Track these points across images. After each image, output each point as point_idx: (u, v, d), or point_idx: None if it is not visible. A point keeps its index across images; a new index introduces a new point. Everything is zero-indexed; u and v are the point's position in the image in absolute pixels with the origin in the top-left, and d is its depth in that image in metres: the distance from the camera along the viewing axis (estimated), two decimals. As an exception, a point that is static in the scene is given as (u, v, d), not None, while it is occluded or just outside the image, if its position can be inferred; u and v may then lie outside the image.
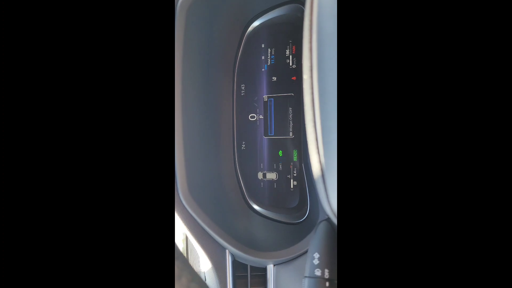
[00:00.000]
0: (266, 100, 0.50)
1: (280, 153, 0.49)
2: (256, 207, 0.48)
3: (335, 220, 0.19)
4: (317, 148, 0.18)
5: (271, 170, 0.50)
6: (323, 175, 0.18)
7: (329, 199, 0.18)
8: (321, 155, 0.17)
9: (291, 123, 0.49)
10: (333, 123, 0.17)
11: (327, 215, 0.19)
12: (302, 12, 0.47)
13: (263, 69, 0.50)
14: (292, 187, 0.49)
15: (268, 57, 0.50)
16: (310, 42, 0.17)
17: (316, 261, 0.26)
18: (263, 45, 0.50)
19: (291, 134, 0.49)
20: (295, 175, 0.48)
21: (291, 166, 0.49)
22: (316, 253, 0.26)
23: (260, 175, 0.50)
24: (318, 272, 0.26)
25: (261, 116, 0.50)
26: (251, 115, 0.51)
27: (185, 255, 0.50)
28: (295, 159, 0.49)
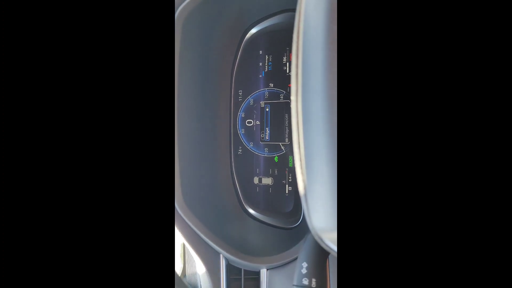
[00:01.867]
0: (263, 106, 0.51)
1: (276, 158, 0.50)
2: (251, 211, 0.49)
3: (317, 239, 0.20)
4: (301, 168, 0.18)
5: (267, 175, 0.50)
6: (305, 195, 0.18)
7: (310, 218, 0.19)
8: (304, 175, 0.18)
9: (287, 129, 0.49)
10: (316, 147, 0.18)
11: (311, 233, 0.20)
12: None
13: (260, 76, 0.51)
14: (287, 192, 0.49)
15: (266, 64, 0.51)
16: (297, 67, 0.18)
17: (304, 270, 0.27)
18: (260, 52, 0.51)
19: (287, 140, 0.50)
20: (290, 180, 0.49)
21: (287, 172, 0.50)
22: (304, 263, 0.27)
23: (256, 180, 0.51)
24: (305, 281, 0.26)
25: (257, 122, 0.51)
26: (248, 120, 0.51)
27: (181, 260, 0.51)
28: (290, 165, 0.49)
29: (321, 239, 0.20)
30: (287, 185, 0.49)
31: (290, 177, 0.49)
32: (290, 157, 0.49)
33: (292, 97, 0.19)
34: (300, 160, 0.18)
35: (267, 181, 0.50)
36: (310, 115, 0.18)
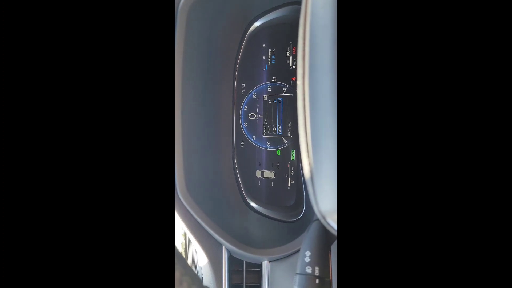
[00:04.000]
0: (265, 99, 0.51)
1: (278, 152, 0.50)
2: (253, 204, 0.49)
3: (323, 222, 0.20)
4: (307, 152, 0.18)
5: (269, 168, 0.50)
6: (312, 178, 0.18)
7: (317, 201, 0.19)
8: (310, 158, 0.18)
9: (289, 123, 0.49)
10: (324, 128, 0.18)
11: (317, 217, 0.20)
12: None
13: (263, 69, 0.51)
14: (289, 186, 0.49)
15: (269, 57, 0.51)
16: (304, 49, 0.18)
17: (307, 259, 0.27)
18: (264, 45, 0.51)
19: (289, 133, 0.50)
20: (292, 174, 0.49)
21: (289, 165, 0.50)
22: (308, 251, 0.27)
23: (258, 173, 0.51)
24: (309, 270, 0.27)
25: (260, 116, 0.51)
26: (251, 114, 0.51)
27: (183, 250, 0.51)
28: (292, 158, 0.49)
29: (326, 222, 0.20)
30: (289, 179, 0.50)
31: (292, 171, 0.49)
32: (292, 151, 0.49)
33: (298, 82, 0.19)
34: (307, 144, 0.18)
35: (269, 174, 0.50)
36: (316, 99, 0.18)
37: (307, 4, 0.18)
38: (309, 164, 0.19)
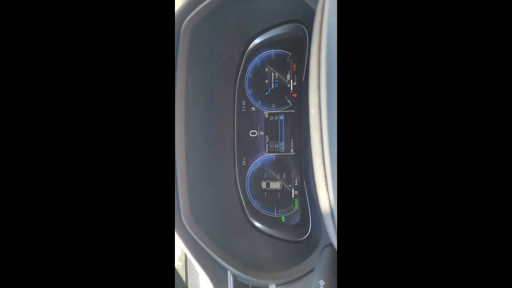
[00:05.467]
0: (267, 116, 0.50)
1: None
2: (257, 224, 0.48)
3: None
4: (326, 184, 0.18)
5: (274, 179, 0.50)
6: (331, 212, 0.17)
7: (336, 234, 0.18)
8: (330, 191, 0.17)
9: (291, 140, 0.49)
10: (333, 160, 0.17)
11: (329, 241, 0.19)
12: (301, 30, 0.47)
13: (265, 87, 0.50)
14: (294, 205, 0.48)
15: (272, 82, 0.50)
16: (319, 79, 0.17)
17: (321, 289, 0.26)
18: (266, 70, 0.50)
19: (292, 151, 0.49)
20: (296, 193, 0.48)
21: (292, 183, 0.49)
22: (322, 281, 0.26)
23: (263, 185, 0.50)
24: (323, 300, 0.25)
25: (261, 133, 0.50)
26: (252, 131, 0.51)
27: (184, 275, 0.49)
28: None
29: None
30: (293, 195, 0.49)
31: (296, 191, 0.49)
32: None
33: (312, 111, 0.19)
34: (325, 176, 0.18)
35: (275, 185, 0.49)
36: (331, 129, 0.18)
37: (322, 27, 0.18)
38: (328, 198, 0.18)
